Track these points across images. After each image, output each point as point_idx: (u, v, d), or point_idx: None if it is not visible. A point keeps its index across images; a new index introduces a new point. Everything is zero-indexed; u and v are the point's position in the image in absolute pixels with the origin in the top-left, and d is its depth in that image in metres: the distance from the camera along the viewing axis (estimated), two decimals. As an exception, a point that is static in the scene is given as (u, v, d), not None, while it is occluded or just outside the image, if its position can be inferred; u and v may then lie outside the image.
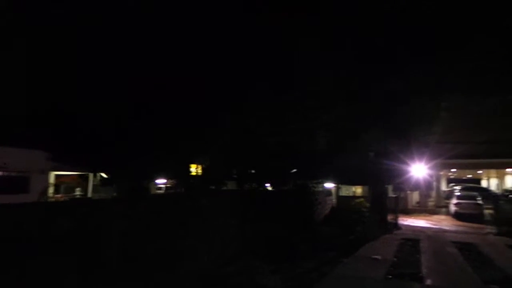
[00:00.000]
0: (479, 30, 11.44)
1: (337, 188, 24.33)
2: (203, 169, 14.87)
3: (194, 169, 15.46)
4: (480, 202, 22.13)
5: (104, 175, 13.57)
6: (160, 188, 21.27)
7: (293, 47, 10.81)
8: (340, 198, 23.38)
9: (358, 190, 27.60)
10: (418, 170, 19.71)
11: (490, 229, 17.57)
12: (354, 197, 23.48)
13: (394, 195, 21.92)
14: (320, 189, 20.20)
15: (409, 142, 16.92)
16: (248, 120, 11.66)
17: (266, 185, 17.43)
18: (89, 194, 17.15)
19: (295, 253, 10.67)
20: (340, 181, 22.21)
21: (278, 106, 11.88)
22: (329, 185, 22.20)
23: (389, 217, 18.28)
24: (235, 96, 10.91)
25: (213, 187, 14.46)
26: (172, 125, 10.21)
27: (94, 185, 17.34)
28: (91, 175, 17.11)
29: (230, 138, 11.78)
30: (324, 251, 11.28)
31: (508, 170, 29.94)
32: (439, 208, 26.84)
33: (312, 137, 13.27)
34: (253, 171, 16.19)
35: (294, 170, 16.94)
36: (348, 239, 13.73)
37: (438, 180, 29.25)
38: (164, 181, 19.40)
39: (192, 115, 10.48)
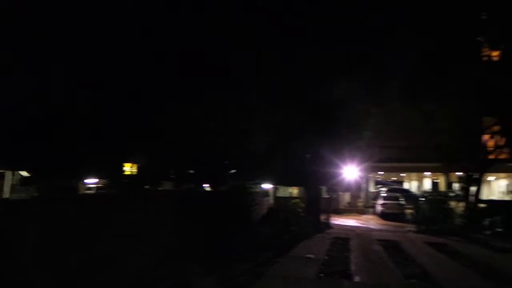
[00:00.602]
0: (409, 45, 12.41)
1: (275, 189, 24.82)
2: (138, 168, 14.21)
3: (129, 168, 14.71)
4: (403, 202, 24.08)
5: (25, 173, 12.31)
6: (90, 188, 19.90)
7: (229, 45, 10.78)
8: (277, 199, 23.87)
9: (295, 191, 28.46)
10: (350, 172, 20.85)
11: (410, 227, 19.17)
12: (291, 197, 24.13)
13: (327, 196, 22.95)
14: (258, 190, 20.45)
15: (343, 145, 17.81)
16: (184, 118, 11.37)
17: (205, 185, 17.18)
18: (7, 195, 15.46)
19: (232, 253, 10.62)
20: (278, 182, 22.68)
21: (215, 106, 11.77)
22: (266, 186, 22.56)
23: (322, 217, 19.08)
24: (171, 93, 10.57)
25: (149, 187, 13.90)
26: (104, 120, 9.57)
27: (12, 185, 15.69)
28: (8, 173, 15.45)
29: (167, 137, 11.37)
30: (261, 251, 11.38)
31: (426, 173, 32.97)
32: (367, 208, 28.71)
33: (252, 138, 13.35)
34: (191, 171, 15.86)
35: (233, 171, 16.92)
36: (283, 239, 14.05)
37: (367, 182, 31.28)
38: (95, 180, 18.20)
39: (126, 112, 9.93)
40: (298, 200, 19.53)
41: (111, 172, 12.56)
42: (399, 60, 12.57)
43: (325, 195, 23.63)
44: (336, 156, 17.98)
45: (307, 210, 18.32)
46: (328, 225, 18.81)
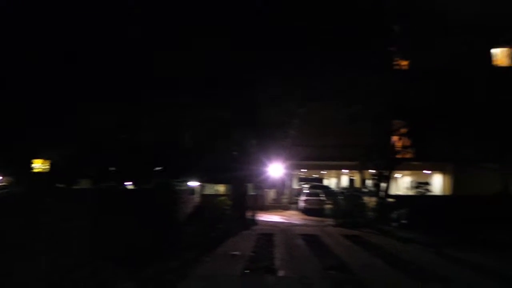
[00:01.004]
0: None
1: (201, 187, 24.53)
2: (51, 165, 12.96)
3: (40, 164, 13.35)
4: (323, 198, 25.54)
5: None
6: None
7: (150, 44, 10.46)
8: (204, 197, 23.63)
9: (222, 188, 28.43)
10: (275, 170, 21.52)
11: (330, 221, 20.44)
12: (218, 195, 24.09)
13: (253, 193, 23.38)
14: (185, 187, 20.03)
15: (269, 144, 18.33)
16: (106, 115, 10.71)
17: (128, 183, 16.32)
18: None
19: (156, 254, 10.22)
20: (205, 179, 22.48)
21: (141, 103, 11.28)
22: (193, 183, 22.20)
23: (249, 214, 19.40)
24: (93, 88, 9.87)
25: (62, 186, 12.75)
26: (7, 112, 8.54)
27: None
28: None
29: (84, 133, 10.57)
30: (187, 250, 11.16)
31: (344, 171, 35.42)
32: (291, 204, 29.86)
33: (178, 136, 13.05)
34: (113, 169, 14.95)
35: (159, 168, 16.35)
36: (210, 237, 13.95)
37: (291, 179, 32.54)
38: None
39: (37, 107, 9.00)
40: (224, 197, 19.56)
41: (17, 169, 11.27)
42: (321, 65, 13.31)
43: (251, 192, 24.06)
44: (263, 154, 18.43)
45: (234, 207, 18.47)
46: (254, 222, 19.17)
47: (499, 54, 24.78)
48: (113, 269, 8.16)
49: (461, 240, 13.26)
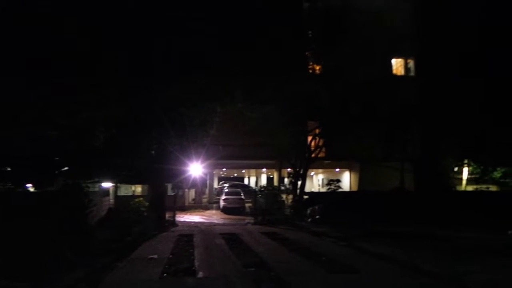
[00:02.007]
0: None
1: (116, 188, 23.04)
2: None
3: None
4: (243, 197, 25.94)
5: None
6: None
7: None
8: (118, 198, 22.24)
9: (138, 189, 27.13)
10: (195, 169, 21.20)
11: (249, 219, 20.84)
12: (134, 196, 22.89)
13: (173, 194, 22.74)
14: (97, 189, 18.58)
15: (189, 142, 17.97)
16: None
17: (28, 185, 14.53)
18: None
19: (60, 264, 9.28)
20: (120, 180, 21.13)
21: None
22: (107, 184, 20.73)
23: (168, 215, 18.80)
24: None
25: None
26: None
27: None
28: None
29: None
30: (97, 256, 10.35)
31: (263, 169, 36.50)
32: (211, 204, 29.78)
33: (89, 133, 12.03)
34: (8, 169, 13.18)
35: (66, 168, 14.87)
36: (125, 241, 13.16)
37: (211, 178, 32.43)
38: None
39: None
40: (141, 198, 18.65)
41: None
42: (241, 66, 13.51)
43: (170, 192, 23.36)
44: (183, 153, 18.00)
45: (152, 208, 17.73)
46: (174, 223, 18.65)
47: (396, 64, 27.96)
48: (9, 285, 7.20)
49: (367, 233, 14.57)
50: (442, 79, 22.91)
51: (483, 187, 24.55)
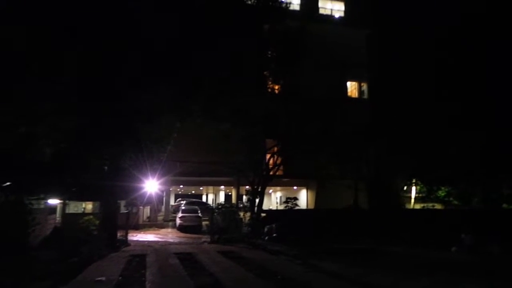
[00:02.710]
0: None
1: (64, 205, 21.71)
2: None
3: None
4: (200, 215, 25.46)
5: None
6: None
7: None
8: (66, 216, 20.94)
9: (89, 206, 25.76)
10: (151, 185, 20.56)
11: (206, 238, 20.41)
12: (84, 214, 21.68)
13: (126, 211, 21.81)
14: (42, 206, 17.41)
15: (145, 158, 17.47)
16: None
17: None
18: None
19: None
20: (69, 196, 19.96)
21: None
22: (54, 201, 19.49)
23: (120, 234, 17.95)
24: None
25: None
26: None
27: None
28: None
29: None
30: (39, 280, 9.62)
31: (221, 187, 36.17)
32: (167, 222, 28.89)
33: (34, 146, 11.31)
34: None
35: (8, 183, 13.82)
36: (70, 262, 12.36)
37: (168, 195, 31.58)
38: None
39: None
40: (91, 216, 17.71)
41: None
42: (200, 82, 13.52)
43: (124, 210, 22.41)
44: (138, 169, 17.43)
45: (102, 227, 16.86)
46: (126, 242, 17.80)
47: (351, 87, 29.37)
48: None
49: (322, 250, 14.80)
50: (393, 102, 24.35)
51: (429, 205, 26.00)
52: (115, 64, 11.24)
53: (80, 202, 24.69)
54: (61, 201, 20.17)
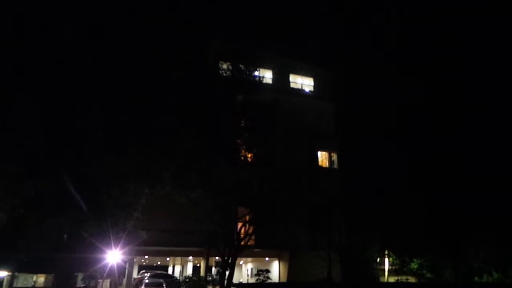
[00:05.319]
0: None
1: (12, 277, 19.60)
2: None
3: None
4: (165, 288, 23.61)
5: None
6: None
7: None
8: (13, 291, 18.84)
9: (41, 279, 23.41)
10: (113, 256, 19.17)
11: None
12: (35, 288, 19.63)
13: (83, 285, 19.98)
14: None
15: (109, 226, 16.51)
16: None
17: None
18: None
19: None
20: (19, 268, 18.14)
21: None
22: (1, 273, 17.62)
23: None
24: None
25: None
26: None
27: None
28: None
29: None
30: None
31: (189, 258, 34.21)
32: (128, 296, 26.47)
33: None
34: None
35: None
36: None
37: (131, 266, 29.38)
38: None
39: None
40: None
41: None
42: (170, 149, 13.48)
43: (80, 284, 20.50)
44: (100, 237, 16.33)
45: (54, 303, 15.18)
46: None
47: (322, 157, 30.17)
48: None
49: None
50: (361, 173, 25.05)
51: (403, 278, 25.49)
52: (82, 129, 11.12)
53: (31, 275, 22.44)
54: (9, 273, 18.22)
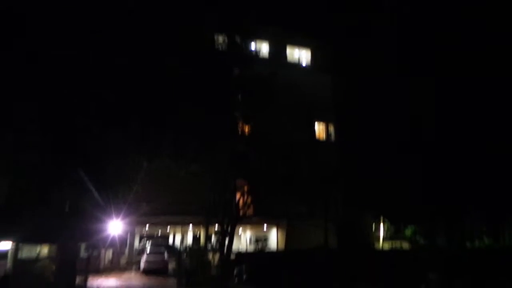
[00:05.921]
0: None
1: (17, 249, 20.06)
2: None
3: None
4: (166, 257, 24.35)
5: None
6: None
7: None
8: (18, 262, 19.28)
9: (45, 250, 23.98)
10: (115, 227, 19.59)
11: (173, 281, 19.41)
12: (39, 259, 20.10)
13: (86, 255, 20.53)
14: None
15: (109, 198, 16.76)
16: None
17: None
18: None
19: None
20: (22, 239, 18.53)
21: None
22: (4, 244, 18.04)
23: (79, 279, 16.75)
24: None
25: None
26: None
27: None
28: None
29: None
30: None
31: (189, 227, 34.97)
32: (131, 264, 27.35)
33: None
34: None
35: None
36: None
37: (132, 237, 30.13)
38: None
39: None
40: (47, 261, 16.47)
41: None
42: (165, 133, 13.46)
43: (84, 253, 21.05)
44: (101, 210, 16.63)
45: (60, 273, 15.70)
46: (84, 289, 16.61)
47: (319, 129, 30.27)
48: None
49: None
50: (358, 143, 25.22)
51: (397, 243, 26.37)
52: (82, 102, 11.06)
53: (35, 246, 22.95)
54: (14, 244, 18.65)
